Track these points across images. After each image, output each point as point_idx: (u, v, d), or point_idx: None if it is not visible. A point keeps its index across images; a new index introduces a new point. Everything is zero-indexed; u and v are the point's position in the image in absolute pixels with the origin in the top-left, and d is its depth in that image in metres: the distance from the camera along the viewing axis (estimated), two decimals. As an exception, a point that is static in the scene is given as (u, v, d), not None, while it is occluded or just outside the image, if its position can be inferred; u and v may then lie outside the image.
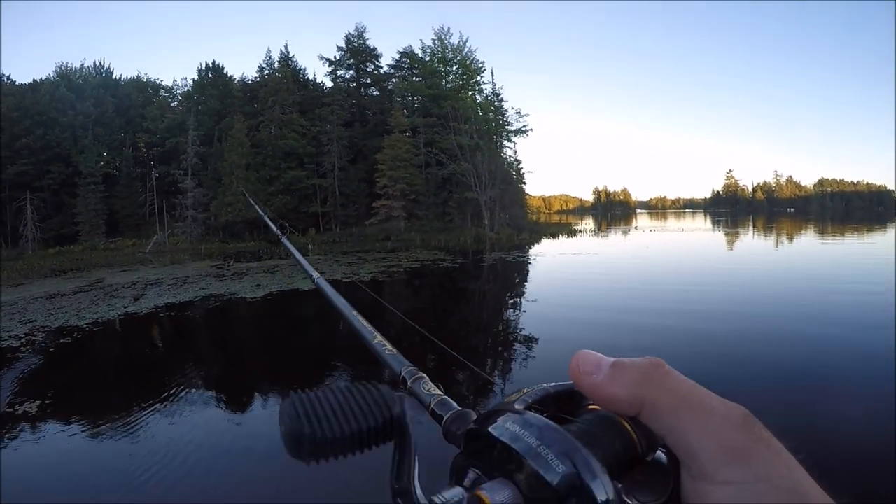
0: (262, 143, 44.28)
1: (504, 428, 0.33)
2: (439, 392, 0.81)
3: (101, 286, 19.68)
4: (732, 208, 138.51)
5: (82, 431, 6.74)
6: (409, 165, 43.62)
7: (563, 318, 12.48)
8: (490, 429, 0.33)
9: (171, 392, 8.02)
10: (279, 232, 2.65)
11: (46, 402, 7.83)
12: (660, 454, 0.35)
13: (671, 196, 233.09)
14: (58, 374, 9.46)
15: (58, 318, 13.75)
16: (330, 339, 11.10)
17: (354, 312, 1.23)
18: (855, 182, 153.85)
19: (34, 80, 47.18)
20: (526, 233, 42.87)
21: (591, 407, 0.37)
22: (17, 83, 46.23)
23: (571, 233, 49.46)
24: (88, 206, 41.25)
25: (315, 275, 1.74)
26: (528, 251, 31.71)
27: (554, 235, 45.20)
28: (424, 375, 0.87)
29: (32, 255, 36.19)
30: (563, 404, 0.38)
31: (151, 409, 7.38)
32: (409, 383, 0.86)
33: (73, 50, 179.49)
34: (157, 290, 18.11)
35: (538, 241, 39.60)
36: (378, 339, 1.06)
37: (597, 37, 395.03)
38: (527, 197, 65.37)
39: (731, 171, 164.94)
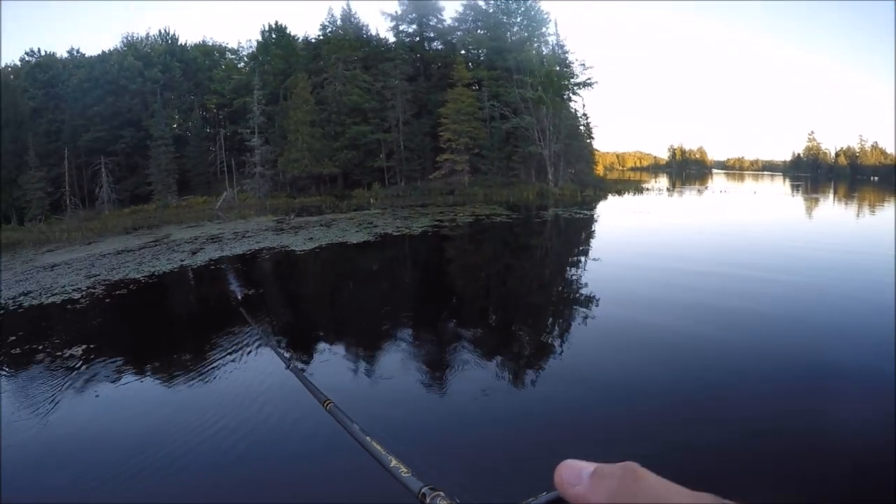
0: (327, 100, 44.38)
1: None
2: None
3: (165, 241, 20.33)
4: (813, 173, 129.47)
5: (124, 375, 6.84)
6: (473, 119, 42.67)
7: (603, 281, 12.05)
8: None
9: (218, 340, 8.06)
10: (286, 362, 2.73)
11: (91, 346, 8.08)
12: None
13: (749, 157, 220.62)
14: (110, 323, 9.76)
15: (119, 272, 14.30)
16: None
17: (368, 438, 1.33)
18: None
19: (102, 51, 48.92)
20: (591, 189, 41.49)
21: None
22: (86, 55, 48.18)
23: (639, 190, 47.71)
24: (160, 166, 42.85)
25: (327, 400, 1.82)
26: (593, 207, 30.92)
27: (619, 192, 43.76)
28: (441, 492, 0.96)
29: (108, 215, 38.08)
30: None
31: (198, 355, 7.43)
32: (427, 501, 0.95)
33: (137, 22, 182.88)
34: (215, 245, 18.54)
35: (603, 197, 38.50)
36: (394, 463, 1.15)
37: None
38: (596, 153, 63.19)
39: (812, 133, 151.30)
